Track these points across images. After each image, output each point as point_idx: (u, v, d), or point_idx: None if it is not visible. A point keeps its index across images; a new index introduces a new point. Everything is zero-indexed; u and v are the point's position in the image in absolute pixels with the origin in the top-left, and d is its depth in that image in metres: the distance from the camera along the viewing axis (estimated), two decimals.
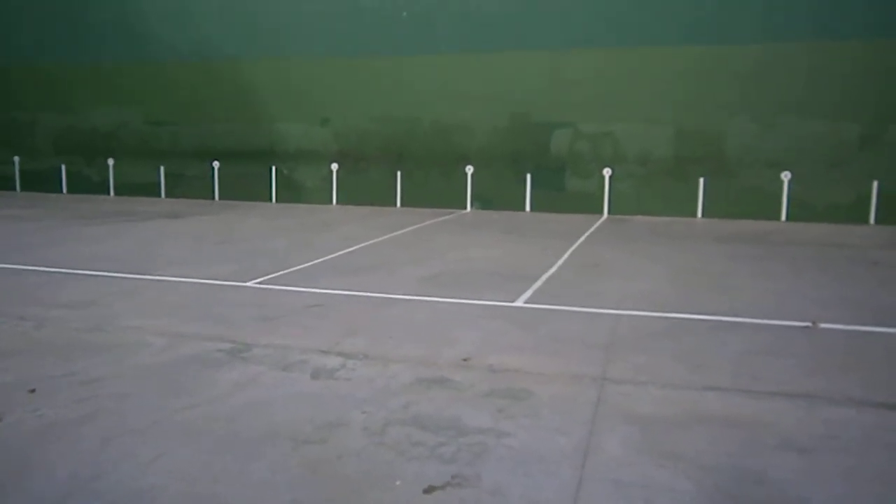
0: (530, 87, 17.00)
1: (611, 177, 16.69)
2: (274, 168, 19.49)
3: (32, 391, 4.61)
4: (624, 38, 16.19)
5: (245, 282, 8.28)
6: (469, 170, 17.57)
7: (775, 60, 15.17)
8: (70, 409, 4.34)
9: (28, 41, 21.13)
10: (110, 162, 20.99)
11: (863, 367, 5.25)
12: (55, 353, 5.42)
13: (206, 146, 19.97)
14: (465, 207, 17.75)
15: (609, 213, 16.69)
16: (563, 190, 17.11)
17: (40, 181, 21.67)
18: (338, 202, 18.97)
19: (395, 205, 18.37)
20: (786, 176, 15.33)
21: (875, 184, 14.86)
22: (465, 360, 5.37)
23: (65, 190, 21.56)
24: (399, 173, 18.27)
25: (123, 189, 20.89)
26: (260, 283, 8.26)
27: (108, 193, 21.10)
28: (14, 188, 21.76)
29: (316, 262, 9.72)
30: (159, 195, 20.58)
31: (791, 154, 15.30)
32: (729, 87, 15.55)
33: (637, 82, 16.14)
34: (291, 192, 19.42)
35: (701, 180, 15.97)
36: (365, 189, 18.60)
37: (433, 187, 17.93)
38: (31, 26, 21.06)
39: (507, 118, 17.34)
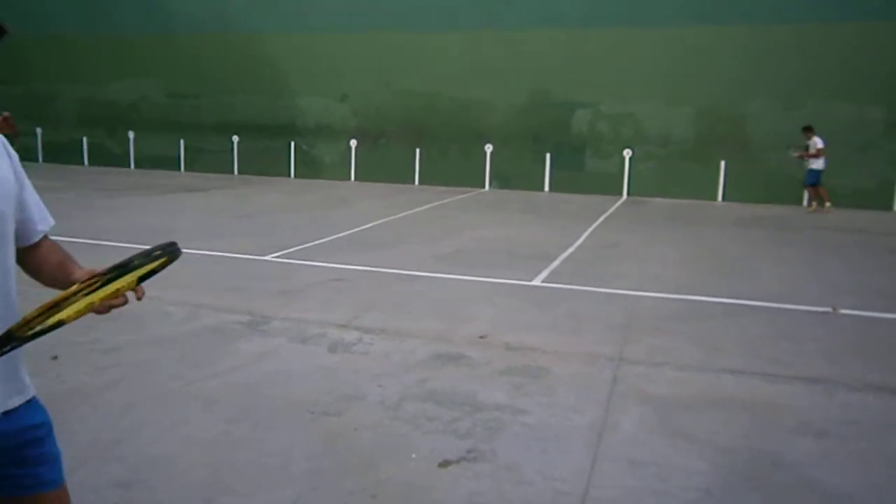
0: (551, 66, 16.85)
1: (631, 158, 16.56)
2: (293, 143, 19.51)
3: (55, 358, 4.68)
4: (646, 17, 15.97)
5: (264, 255, 8.33)
6: (488, 148, 17.49)
7: (800, 42, 14.91)
8: (92, 376, 4.41)
9: (49, 11, 21.18)
10: (131, 134, 21.10)
11: (881, 353, 5.21)
12: (77, 321, 5.48)
13: (226, 120, 20.02)
14: (484, 186, 17.70)
15: (628, 194, 16.57)
16: (582, 170, 17.00)
17: (62, 153, 21.82)
18: (356, 179, 18.98)
19: (413, 182, 18.35)
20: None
21: None
22: (481, 337, 5.38)
23: (86, 162, 21.72)
24: (418, 150, 18.22)
25: (144, 162, 21.01)
26: (279, 257, 8.31)
27: (129, 166, 21.24)
28: (36, 159, 21.93)
29: (334, 237, 9.76)
30: (179, 169, 20.68)
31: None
32: (752, 68, 15.32)
33: (659, 62, 15.94)
34: (310, 168, 19.45)
35: (722, 163, 15.80)
36: (383, 166, 18.59)
37: (452, 165, 17.88)
38: None
39: (528, 96, 17.22)
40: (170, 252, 1.44)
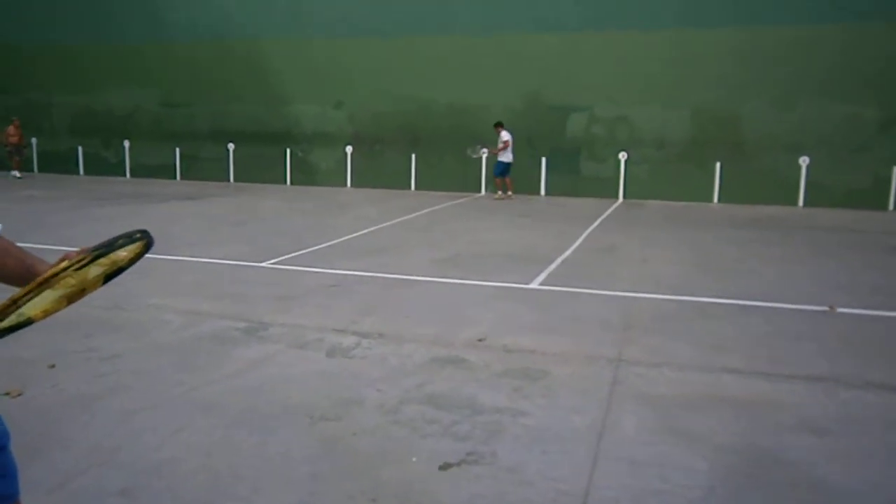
0: (546, 70, 16.91)
1: (626, 161, 16.61)
2: (289, 150, 19.52)
3: (52, 366, 4.67)
4: (640, 21, 16.04)
5: (261, 262, 8.33)
6: (484, 153, 17.53)
7: (793, 43, 14.98)
8: (90, 383, 4.39)
9: (45, 21, 21.20)
10: (126, 144, 21.09)
11: (879, 350, 5.22)
12: (74, 329, 5.47)
13: (221, 128, 20.04)
14: (480, 191, 17.72)
15: (624, 197, 16.62)
16: (578, 174, 17.04)
17: (58, 162, 21.81)
18: (352, 185, 19.00)
19: (409, 188, 18.37)
20: (804, 161, 15.20)
21: (895, 169, 14.69)
22: (480, 340, 5.38)
23: (82, 171, 21.71)
24: (414, 156, 18.25)
25: (139, 171, 21.01)
26: (276, 263, 8.30)
27: (125, 175, 21.23)
28: (32, 169, 21.91)
29: (331, 243, 9.76)
30: (175, 177, 20.68)
31: (809, 138, 15.15)
32: (746, 70, 15.39)
33: (653, 65, 16.00)
34: (306, 175, 19.46)
35: (717, 164, 15.86)
36: (379, 172, 18.61)
37: (448, 170, 17.91)
38: (46, 5, 21.11)
39: (523, 101, 17.27)
40: (147, 237, 1.49)
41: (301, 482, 3.20)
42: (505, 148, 16.09)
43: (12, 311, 1.36)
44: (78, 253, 1.46)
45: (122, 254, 1.45)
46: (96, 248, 1.44)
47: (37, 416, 3.89)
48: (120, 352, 5.01)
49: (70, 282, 1.39)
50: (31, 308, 1.35)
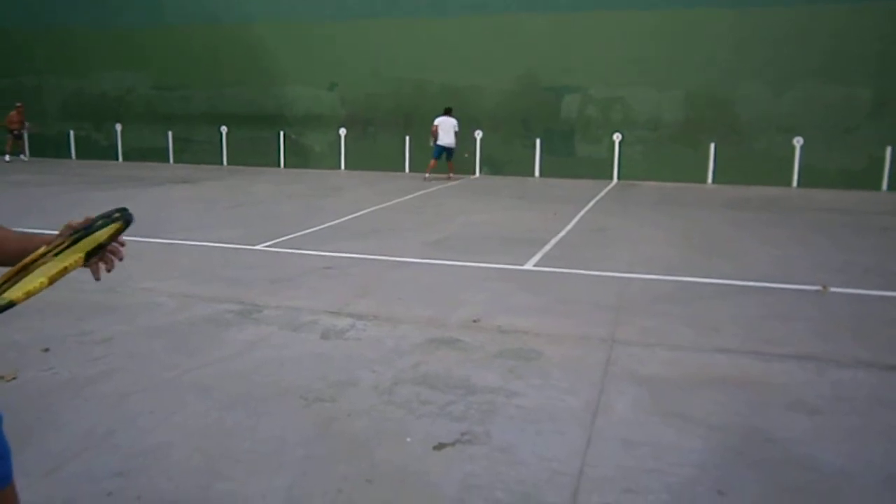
0: (540, 51, 16.82)
1: (620, 142, 16.58)
2: (282, 133, 19.42)
3: (46, 350, 4.66)
4: (635, 1, 15.94)
5: (255, 245, 8.31)
6: (478, 134, 17.46)
7: (788, 24, 14.93)
8: (84, 367, 4.39)
9: (35, 3, 20.97)
10: (118, 127, 20.95)
11: (872, 330, 5.25)
12: (68, 313, 5.46)
13: (214, 111, 19.91)
14: (475, 173, 17.68)
15: (619, 178, 16.60)
16: (572, 155, 17.01)
17: (49, 146, 21.67)
18: (346, 167, 18.93)
19: (403, 170, 18.32)
20: (798, 141, 15.19)
21: (888, 150, 14.71)
22: (474, 321, 5.39)
23: (74, 155, 21.57)
24: (407, 138, 18.18)
25: (132, 154, 20.89)
26: (270, 246, 8.28)
27: (117, 159, 21.11)
28: (23, 153, 21.74)
29: (325, 225, 9.73)
30: (167, 160, 20.57)
31: (803, 119, 15.14)
32: (741, 50, 15.34)
33: (647, 46, 15.94)
34: (299, 158, 19.38)
35: (712, 146, 15.84)
36: (373, 154, 18.55)
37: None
38: None
39: (517, 82, 17.19)
40: (126, 216, 1.48)
41: (295, 463, 3.21)
42: (435, 133, 16.24)
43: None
44: (57, 237, 1.44)
45: (101, 234, 1.44)
46: (75, 231, 1.43)
47: (31, 400, 3.89)
48: (114, 335, 5.01)
49: (51, 266, 1.38)
50: (12, 292, 1.33)
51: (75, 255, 1.42)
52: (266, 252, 8.01)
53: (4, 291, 1.33)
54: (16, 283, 1.35)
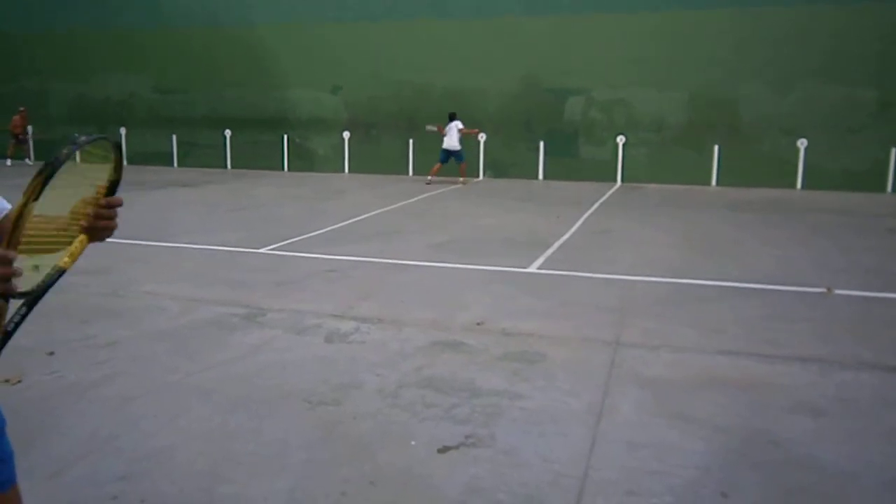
0: (543, 53, 16.81)
1: (624, 144, 16.56)
2: (286, 136, 19.45)
3: (51, 354, 4.67)
4: (637, 2, 15.93)
5: (259, 248, 8.32)
6: (482, 137, 17.46)
7: (791, 24, 14.89)
8: (88, 370, 4.40)
9: (38, 7, 21.04)
10: (122, 131, 21.00)
11: (875, 332, 5.23)
12: (72, 317, 5.48)
13: (218, 114, 19.94)
14: (478, 175, 17.67)
15: (622, 180, 16.58)
16: (576, 157, 16.99)
17: (53, 150, 21.52)
18: (350, 171, 18.95)
19: (407, 173, 18.33)
20: (802, 143, 15.16)
21: (893, 151, 14.66)
22: (478, 323, 5.39)
23: (78, 159, 21.59)
24: (411, 141, 18.18)
25: (136, 158, 20.90)
26: (274, 249, 8.30)
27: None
28: (28, 157, 21.80)
29: (329, 229, 9.75)
30: (171, 164, 20.61)
31: (806, 121, 15.10)
32: (743, 51, 15.31)
33: (650, 48, 15.91)
34: (303, 161, 19.39)
35: (715, 147, 15.81)
36: (377, 157, 18.55)
37: None
38: None
39: (520, 84, 17.18)
40: (103, 137, 1.48)
41: (298, 466, 3.21)
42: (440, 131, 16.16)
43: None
44: (28, 185, 1.38)
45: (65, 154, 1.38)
46: (40, 172, 1.37)
47: (35, 403, 3.90)
48: (117, 339, 5.02)
49: (43, 225, 1.34)
50: (52, 258, 1.32)
51: (78, 238, 1.39)
52: (270, 255, 8.02)
53: (33, 257, 1.31)
54: (16, 238, 1.31)
